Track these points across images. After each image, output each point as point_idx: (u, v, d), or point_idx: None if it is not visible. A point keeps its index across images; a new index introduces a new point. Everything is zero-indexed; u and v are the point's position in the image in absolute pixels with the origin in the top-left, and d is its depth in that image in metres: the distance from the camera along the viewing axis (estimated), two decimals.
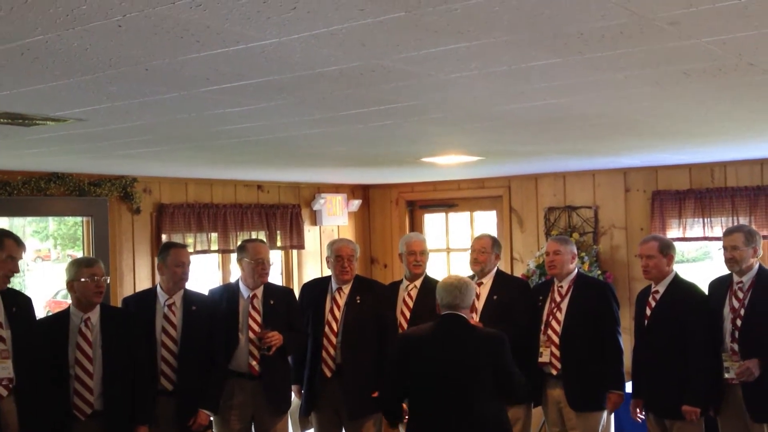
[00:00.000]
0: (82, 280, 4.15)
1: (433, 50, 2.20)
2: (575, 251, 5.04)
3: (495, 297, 5.02)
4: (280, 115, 3.23)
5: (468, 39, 2.09)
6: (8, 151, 4.19)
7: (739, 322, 4.42)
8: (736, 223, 5.74)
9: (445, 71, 2.48)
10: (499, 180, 6.94)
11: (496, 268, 5.18)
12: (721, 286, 4.62)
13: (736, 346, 4.42)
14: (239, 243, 5.14)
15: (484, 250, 5.12)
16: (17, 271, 3.93)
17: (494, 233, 6.36)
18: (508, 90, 2.79)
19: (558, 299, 4.94)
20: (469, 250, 5.37)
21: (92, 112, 2.98)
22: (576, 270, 5.03)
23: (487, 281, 5.10)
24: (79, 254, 5.62)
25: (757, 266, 4.49)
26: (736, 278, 4.51)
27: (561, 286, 4.96)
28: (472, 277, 5.02)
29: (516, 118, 3.45)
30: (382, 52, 2.21)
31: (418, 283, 5.39)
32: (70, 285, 4.19)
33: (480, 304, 5.01)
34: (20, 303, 4.00)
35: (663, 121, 3.68)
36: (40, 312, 7.09)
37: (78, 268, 4.18)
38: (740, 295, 4.46)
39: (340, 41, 2.06)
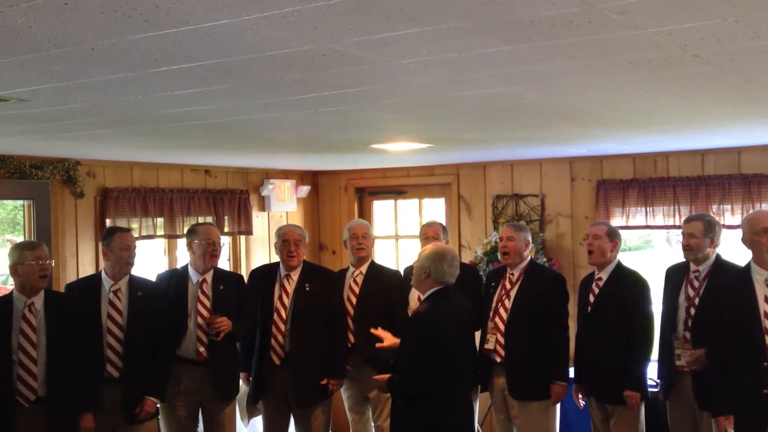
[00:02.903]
0: (27, 263, 4.06)
1: (384, 35, 2.20)
2: (529, 239, 5.08)
3: None
4: (230, 99, 3.19)
5: (420, 24, 2.10)
6: None
7: (692, 311, 4.48)
8: (677, 212, 5.87)
9: (396, 57, 2.48)
10: (448, 167, 6.97)
11: None
12: (677, 273, 4.66)
13: (688, 335, 4.49)
14: (189, 227, 5.09)
15: (437, 236, 5.16)
16: None
17: (443, 220, 6.41)
18: (458, 77, 2.80)
19: (508, 287, 4.99)
20: (420, 237, 5.41)
21: (35, 92, 2.90)
22: (528, 259, 5.07)
23: None
24: (20, 239, 5.48)
25: (714, 256, 4.51)
26: (692, 267, 4.55)
27: (512, 274, 5.01)
28: None
29: (466, 105, 3.47)
30: (334, 36, 2.20)
31: (363, 269, 5.41)
32: (14, 269, 4.10)
33: None
34: None
35: (609, 111, 3.74)
36: None
37: (21, 251, 4.09)
38: (696, 284, 4.51)
39: (291, 24, 2.05)
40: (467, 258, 6.55)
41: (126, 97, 3.08)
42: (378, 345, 4.30)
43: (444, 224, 5.57)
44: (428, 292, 3.95)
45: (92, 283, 4.61)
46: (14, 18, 1.92)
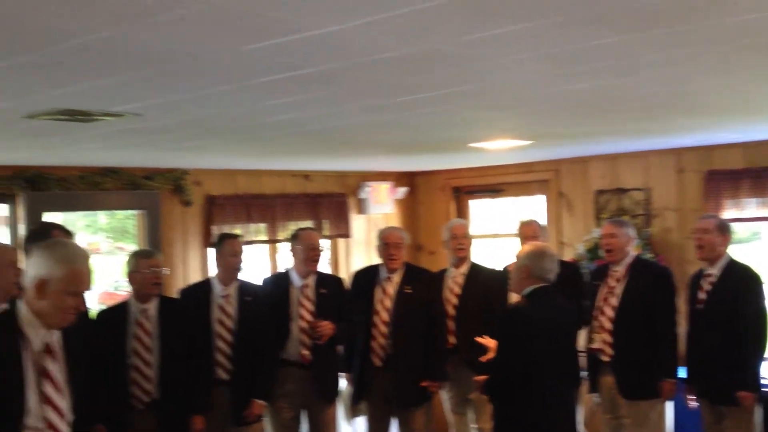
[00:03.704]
0: (141, 271, 4.22)
1: (489, 33, 2.18)
2: (632, 234, 4.94)
3: None
4: (332, 104, 3.23)
5: (526, 20, 2.07)
6: (66, 147, 4.27)
7: None
8: None
9: (500, 54, 2.45)
10: (547, 164, 6.86)
11: None
12: None
13: None
14: (292, 232, 5.19)
15: (535, 235, 5.08)
16: None
17: (542, 218, 6.31)
18: (563, 71, 2.75)
19: (613, 284, 4.86)
20: (518, 237, 5.34)
21: (149, 107, 3.01)
22: (632, 254, 4.94)
23: None
24: (130, 247, 5.71)
25: None
26: None
27: (616, 271, 4.88)
28: None
29: (569, 100, 3.41)
30: (439, 37, 2.20)
31: (464, 269, 5.38)
32: (130, 276, 4.27)
33: None
34: None
35: (723, 99, 3.59)
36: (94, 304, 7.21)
37: (137, 259, 4.26)
38: None
39: (398, 27, 2.05)
40: (568, 255, 6.43)
41: (233, 107, 3.16)
42: (482, 359, 4.22)
43: (542, 222, 5.48)
44: (527, 290, 3.88)
45: (203, 288, 4.76)
46: (134, 36, 1.99)
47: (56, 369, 2.63)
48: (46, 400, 2.58)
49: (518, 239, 5.29)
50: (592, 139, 5.22)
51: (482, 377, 3.96)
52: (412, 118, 3.72)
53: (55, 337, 2.65)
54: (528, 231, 5.18)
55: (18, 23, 1.83)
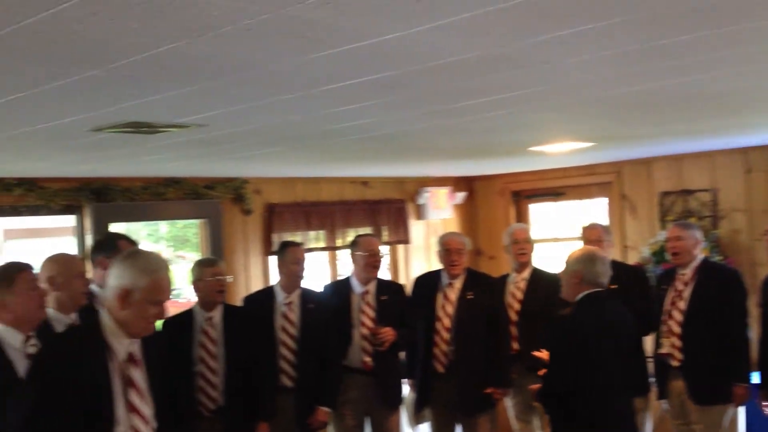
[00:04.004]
0: (206, 279, 4.27)
1: (553, 35, 2.13)
2: (699, 237, 4.82)
3: (613, 286, 4.86)
4: (393, 111, 3.22)
5: (593, 20, 2.02)
6: (130, 159, 4.35)
7: None
8: None
9: (564, 56, 2.41)
10: (609, 165, 6.74)
11: (610, 257, 5.06)
12: None
13: None
14: (352, 239, 5.19)
15: (600, 239, 4.99)
16: None
17: (605, 221, 6.20)
18: (631, 71, 2.69)
19: (680, 288, 4.76)
20: (581, 241, 5.25)
21: (213, 117, 3.04)
22: (700, 257, 4.82)
23: None
24: (191, 255, 5.80)
25: None
26: None
27: (684, 274, 4.77)
28: None
29: (636, 100, 3.33)
30: (504, 40, 2.17)
31: (526, 274, 5.32)
32: (195, 285, 4.32)
33: None
34: None
35: None
36: None
37: (201, 268, 4.31)
38: None
39: (462, 31, 2.03)
40: (633, 259, 6.30)
41: (295, 116, 3.17)
42: (540, 372, 4.14)
43: (606, 226, 5.38)
44: (579, 297, 3.77)
45: (267, 296, 4.80)
46: (199, 48, 2.00)
47: (140, 377, 2.66)
48: (132, 408, 2.61)
49: (581, 243, 5.20)
50: (655, 140, 5.11)
51: (537, 386, 3.88)
52: (474, 123, 3.68)
53: (136, 346, 2.68)
54: (592, 234, 5.08)
55: (86, 38, 1.86)
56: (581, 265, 3.73)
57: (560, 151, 5.26)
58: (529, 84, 2.82)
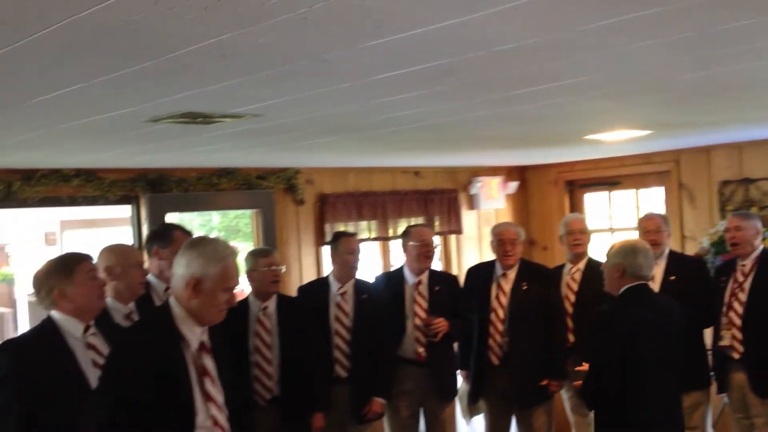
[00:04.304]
0: (260, 269, 4.29)
1: (619, 19, 2.07)
2: (760, 227, 4.70)
3: (672, 278, 4.79)
4: (448, 99, 3.18)
5: (660, 4, 1.96)
6: (185, 149, 4.39)
7: None
8: None
9: (627, 41, 2.34)
10: (667, 154, 6.59)
11: (668, 248, 4.96)
12: None
13: None
14: (404, 229, 5.17)
15: (658, 230, 4.89)
16: None
17: (661, 210, 6.07)
18: (696, 57, 2.61)
19: (741, 279, 4.65)
20: (638, 231, 5.15)
21: (268, 107, 3.04)
22: (761, 248, 4.69)
23: (661, 262, 4.86)
24: (242, 245, 5.85)
25: None
26: None
27: (744, 265, 4.66)
28: None
29: (697, 87, 3.24)
30: (566, 25, 2.11)
31: (581, 265, 5.24)
32: (249, 275, 4.34)
33: (656, 286, 4.78)
34: None
35: None
36: None
37: (255, 258, 4.33)
38: None
39: (522, 16, 1.98)
40: (691, 250, 6.16)
41: (349, 105, 3.15)
42: (578, 368, 4.06)
43: (664, 216, 5.26)
44: (621, 290, 3.66)
45: (321, 285, 4.81)
46: (256, 37, 2.00)
47: (211, 366, 2.64)
48: (208, 397, 2.60)
49: (638, 233, 5.10)
50: (715, 128, 4.98)
51: (579, 382, 3.81)
52: (530, 111, 3.62)
53: (206, 335, 2.66)
54: (650, 224, 4.97)
55: (143, 29, 1.87)
56: (622, 258, 3.62)
57: (616, 139, 5.16)
58: (588, 71, 2.75)
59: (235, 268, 2.66)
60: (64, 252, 3.27)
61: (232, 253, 2.65)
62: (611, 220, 7.24)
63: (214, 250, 2.60)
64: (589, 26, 2.13)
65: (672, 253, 4.97)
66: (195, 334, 2.61)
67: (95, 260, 3.24)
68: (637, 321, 3.57)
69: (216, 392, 2.63)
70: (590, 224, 6.94)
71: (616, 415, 3.56)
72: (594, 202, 7.40)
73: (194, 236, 3.54)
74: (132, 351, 2.55)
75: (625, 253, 3.63)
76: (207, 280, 2.56)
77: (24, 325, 12.25)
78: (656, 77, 2.97)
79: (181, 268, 2.59)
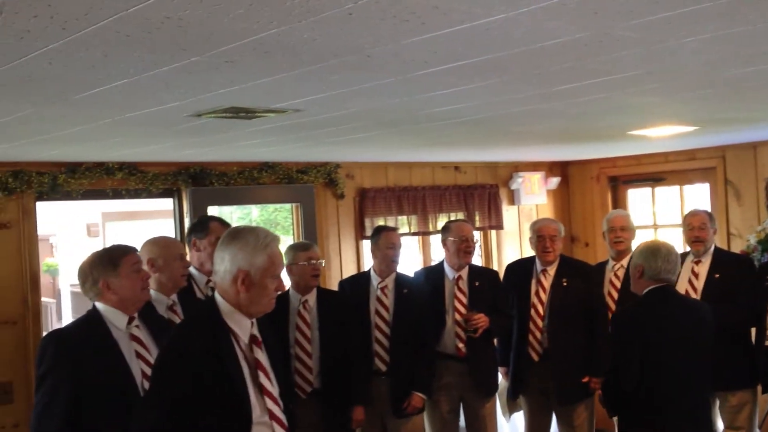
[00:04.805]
0: (300, 263, 4.31)
1: (667, 14, 2.04)
2: None
3: (717, 275, 4.70)
4: (491, 94, 3.16)
5: (696, 2, 1.92)
6: (227, 144, 4.42)
7: None
8: None
9: (676, 36, 2.30)
10: (712, 150, 6.47)
11: (714, 245, 4.87)
12: None
13: None
14: (444, 224, 5.15)
15: (704, 227, 4.80)
16: None
17: (706, 207, 5.96)
18: (747, 51, 2.55)
19: None
20: (683, 228, 5.07)
21: (310, 102, 3.05)
22: None
23: (706, 259, 4.79)
24: (282, 238, 5.87)
25: None
26: None
27: None
28: (685, 255, 4.73)
29: (747, 82, 3.17)
30: (613, 20, 2.08)
31: (625, 262, 5.16)
32: (289, 268, 4.36)
33: (700, 284, 4.72)
34: None
35: None
36: None
37: (295, 252, 4.35)
38: None
39: (569, 11, 1.96)
40: (737, 247, 6.04)
41: (391, 101, 3.15)
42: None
43: (710, 212, 5.16)
44: (644, 291, 3.58)
45: (362, 279, 4.81)
46: (301, 33, 2.00)
47: (264, 359, 2.58)
48: (264, 391, 2.53)
49: (683, 230, 5.02)
50: (762, 123, 4.87)
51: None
52: (573, 106, 3.58)
53: (256, 327, 2.60)
54: (695, 221, 4.89)
55: (190, 24, 1.88)
56: (642, 259, 3.56)
57: (660, 135, 5.07)
58: (634, 66, 2.71)
59: (280, 253, 2.58)
60: (106, 243, 3.31)
61: (274, 239, 2.56)
62: (655, 217, 7.12)
63: (256, 239, 2.51)
64: (634, 21, 2.09)
65: (717, 251, 4.88)
66: (244, 328, 2.54)
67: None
68: (658, 323, 3.50)
69: (270, 386, 2.56)
70: (635, 221, 6.87)
71: (638, 418, 3.51)
72: (638, 199, 7.29)
73: (231, 227, 3.52)
74: (182, 351, 2.47)
75: (645, 255, 3.57)
76: (255, 272, 2.48)
77: (67, 316, 12.49)
78: (702, 73, 2.91)
79: (225, 263, 2.51)
